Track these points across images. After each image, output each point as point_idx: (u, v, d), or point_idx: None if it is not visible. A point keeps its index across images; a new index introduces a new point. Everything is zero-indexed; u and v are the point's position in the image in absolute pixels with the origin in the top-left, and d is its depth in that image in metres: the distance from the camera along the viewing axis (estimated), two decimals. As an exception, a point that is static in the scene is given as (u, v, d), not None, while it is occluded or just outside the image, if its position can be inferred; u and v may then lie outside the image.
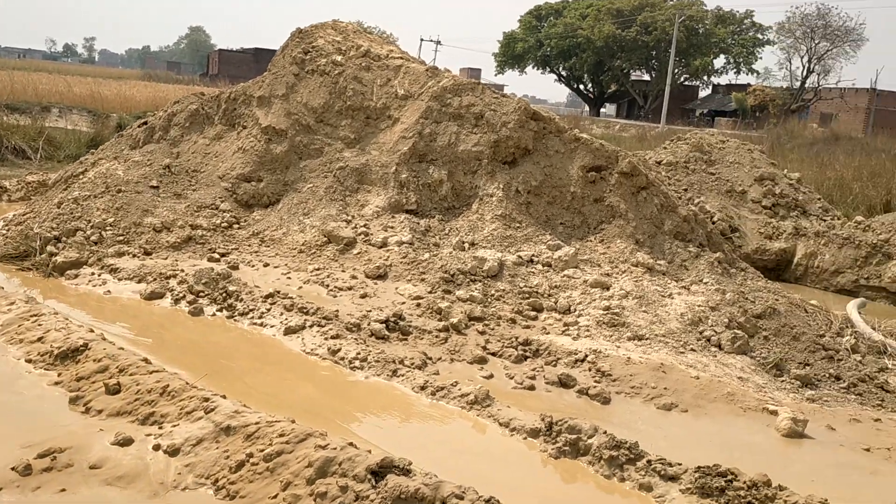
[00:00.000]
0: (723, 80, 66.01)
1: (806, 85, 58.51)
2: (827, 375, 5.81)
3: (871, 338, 6.69)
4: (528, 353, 5.69)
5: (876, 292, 11.90)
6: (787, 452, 4.60)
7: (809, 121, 52.60)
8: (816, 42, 56.87)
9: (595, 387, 5.18)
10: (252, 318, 6.05)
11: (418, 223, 7.43)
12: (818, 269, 12.66)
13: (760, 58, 59.22)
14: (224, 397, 4.18)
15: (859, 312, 7.48)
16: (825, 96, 59.01)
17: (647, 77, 64.02)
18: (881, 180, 17.80)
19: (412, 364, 5.35)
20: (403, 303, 6.35)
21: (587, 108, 68.00)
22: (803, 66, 58.40)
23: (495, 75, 65.16)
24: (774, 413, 4.97)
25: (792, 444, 4.67)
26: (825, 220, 13.39)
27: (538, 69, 65.26)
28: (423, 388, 5.01)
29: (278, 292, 6.39)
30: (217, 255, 7.32)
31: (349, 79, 8.70)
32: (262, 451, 3.65)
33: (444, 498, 3.47)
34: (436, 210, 7.66)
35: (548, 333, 6.02)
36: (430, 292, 6.50)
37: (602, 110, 69.57)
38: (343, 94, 8.61)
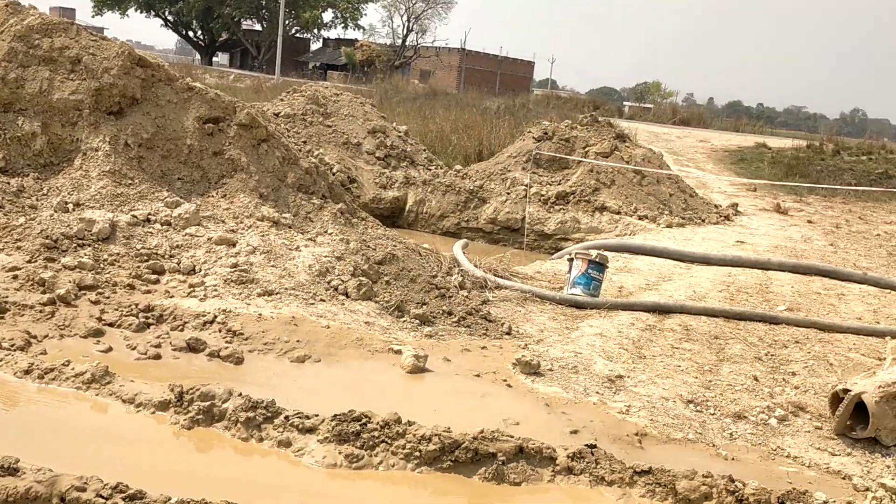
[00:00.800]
0: (332, 34, 67.87)
1: (406, 43, 62.75)
2: (441, 312, 6.35)
3: (475, 274, 7.47)
4: (150, 320, 5.30)
5: (474, 233, 13.33)
6: (412, 387, 4.94)
7: (411, 77, 56.67)
8: (413, 2, 61.08)
9: (227, 348, 5.01)
10: None
11: (8, 183, 6.43)
12: (427, 214, 13.78)
13: (366, 14, 62.13)
14: None
15: (463, 252, 8.30)
16: (424, 54, 63.98)
17: (258, 27, 63.23)
18: (474, 132, 19.87)
19: (12, 346, 4.65)
20: (-5, 276, 5.47)
21: (198, 56, 65.14)
22: (403, 25, 62.50)
23: (92, 17, 58.88)
24: (399, 352, 5.29)
25: (416, 380, 5.02)
26: (430, 170, 14.59)
27: (142, 12, 60.59)
28: (27, 371, 4.38)
29: None
30: None
31: None
32: None
33: (62, 493, 3.09)
34: (30, 167, 6.70)
35: (172, 297, 5.66)
36: (29, 262, 5.69)
37: (214, 59, 67.19)
38: None
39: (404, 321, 6.12)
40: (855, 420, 4.73)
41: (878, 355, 6.51)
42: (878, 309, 8.32)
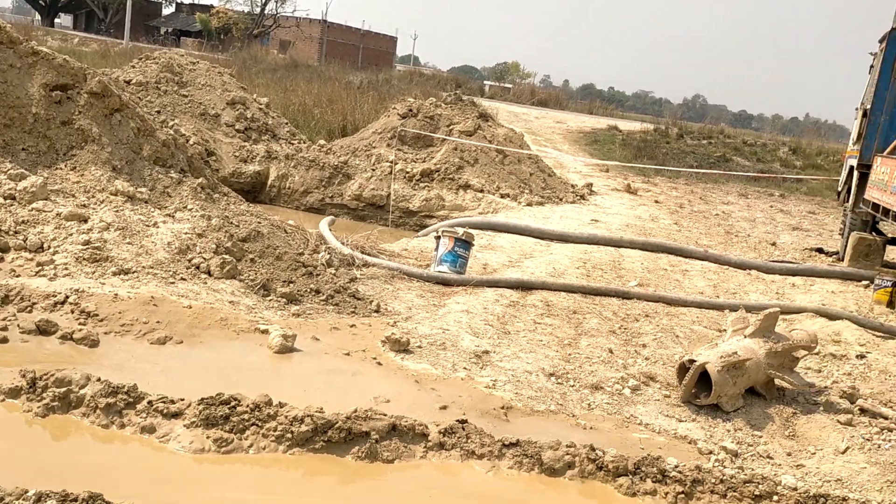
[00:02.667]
0: (186, -2, 64.71)
1: (265, 11, 60.79)
2: (308, 290, 6.27)
3: (342, 252, 7.43)
4: (-7, 302, 4.93)
5: (339, 209, 13.21)
6: (281, 368, 4.87)
7: (271, 47, 55.02)
8: (273, -31, 59.21)
9: (80, 330, 4.74)
10: None
11: None
12: (290, 189, 13.52)
13: (222, -21, 59.56)
14: None
15: (329, 229, 8.22)
16: (284, 24, 62.22)
17: (105, -13, 59.38)
18: (337, 106, 19.62)
19: None
20: None
21: (39, 17, 60.34)
22: (262, -7, 60.42)
23: None
24: (266, 332, 5.19)
25: (284, 360, 4.96)
26: (293, 144, 14.29)
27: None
28: None
29: None
30: None
31: None
32: None
33: None
34: None
35: (18, 276, 5.28)
36: None
37: (57, 21, 62.46)
38: None
39: (270, 300, 6.01)
40: (699, 388, 5.10)
41: (718, 327, 7.03)
42: (718, 284, 8.97)
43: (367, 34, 71.26)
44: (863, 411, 5.13)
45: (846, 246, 11.11)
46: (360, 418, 3.64)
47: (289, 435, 3.64)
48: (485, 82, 63.79)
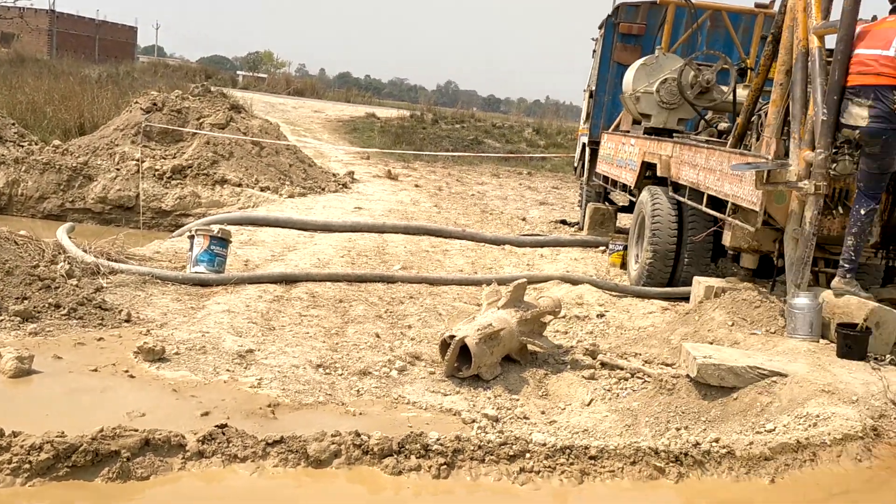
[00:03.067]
0: None
1: (-20, 0, 54.27)
2: (47, 305, 5.73)
3: (84, 260, 6.86)
4: None
5: (83, 214, 12.20)
6: (17, 394, 4.41)
7: (-10, 39, 49.34)
8: (-15, -47, 53.01)
9: None
10: None
11: None
12: (23, 196, 12.26)
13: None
14: None
15: (69, 236, 7.55)
16: (5, 15, 55.93)
17: None
18: (73, 103, 18.06)
19: None
20: None
21: None
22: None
23: None
24: (-3, 356, 4.67)
25: (21, 384, 4.50)
26: (23, 146, 12.94)
27: None
28: None
29: None
30: None
31: None
32: None
33: None
34: None
35: None
36: None
37: None
38: None
39: (2, 320, 5.41)
40: (461, 361, 5.34)
41: (476, 301, 7.40)
42: (476, 261, 9.43)
43: (104, 24, 66.14)
44: (603, 365, 5.64)
45: (584, 216, 12.15)
46: (108, 437, 3.38)
47: (27, 466, 3.30)
48: (238, 72, 61.81)
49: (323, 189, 14.13)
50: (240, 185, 12.81)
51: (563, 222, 13.66)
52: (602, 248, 10.65)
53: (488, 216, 13.62)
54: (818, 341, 5.24)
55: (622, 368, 5.50)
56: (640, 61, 9.99)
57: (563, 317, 6.83)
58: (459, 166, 22.03)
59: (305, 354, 5.49)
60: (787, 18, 6.13)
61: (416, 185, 16.86)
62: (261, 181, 13.09)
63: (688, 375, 4.88)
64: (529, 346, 5.71)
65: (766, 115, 6.46)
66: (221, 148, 13.34)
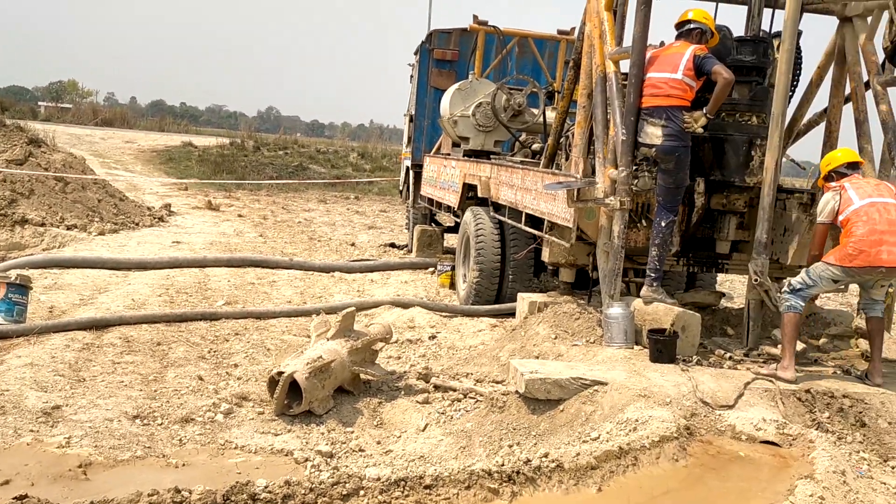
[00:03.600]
0: None
1: None
2: None
3: None
4: None
5: None
6: None
7: None
8: None
9: None
10: None
11: None
12: None
13: None
14: None
15: None
16: None
17: None
18: None
19: None
20: None
21: None
22: None
23: None
24: None
25: None
26: None
27: None
28: None
29: None
30: None
31: None
32: None
33: None
34: None
35: None
36: None
37: None
38: None
39: None
40: (291, 397, 5.17)
41: (306, 333, 7.22)
42: (305, 290, 9.24)
43: None
44: (436, 388, 5.67)
45: (412, 239, 12.27)
46: None
47: None
48: (39, 103, 57.51)
49: (137, 224, 13.36)
50: (43, 225, 11.82)
51: (392, 245, 13.73)
52: (431, 269, 10.78)
53: (316, 243, 13.42)
54: (633, 348, 5.55)
55: (455, 390, 5.55)
56: (456, 86, 10.27)
57: (396, 341, 6.81)
58: (285, 194, 21.64)
59: (120, 405, 5.10)
60: (586, 45, 6.51)
61: (239, 215, 16.35)
62: (67, 219, 12.16)
63: (517, 391, 5.00)
64: (362, 376, 5.64)
65: (573, 136, 6.81)
66: (20, 185, 12.27)
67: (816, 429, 4.62)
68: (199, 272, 9.73)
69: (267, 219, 16.24)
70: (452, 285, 9.53)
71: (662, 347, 5.25)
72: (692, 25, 5.88)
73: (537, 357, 5.73)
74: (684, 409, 4.66)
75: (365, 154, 30.75)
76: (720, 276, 9.90)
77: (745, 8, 6.42)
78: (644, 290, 5.83)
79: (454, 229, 12.46)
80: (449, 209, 10.63)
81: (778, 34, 6.47)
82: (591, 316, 6.20)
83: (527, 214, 7.24)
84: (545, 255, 6.81)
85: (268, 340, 6.95)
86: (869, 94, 6.42)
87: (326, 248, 12.91)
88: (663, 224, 5.80)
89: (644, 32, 5.57)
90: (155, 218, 14.11)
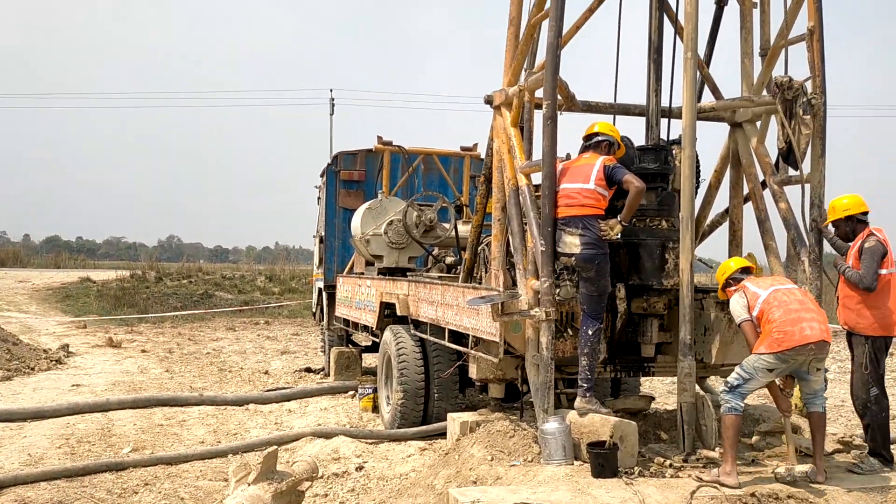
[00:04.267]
0: None
1: None
2: None
3: None
4: None
5: None
6: None
7: None
8: None
9: None
10: None
11: None
12: None
13: None
14: None
15: None
16: None
17: None
18: None
19: None
20: None
21: None
22: None
23: None
24: None
25: None
26: None
27: None
28: None
29: None
30: None
31: None
32: None
33: None
34: None
35: None
36: None
37: None
38: None
39: None
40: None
41: (224, 477, 6.72)
42: (218, 427, 8.69)
43: None
44: (370, 526, 5.29)
45: (329, 361, 11.89)
46: None
47: None
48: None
49: (32, 369, 12.47)
50: (-77, 378, 10.88)
51: (308, 370, 13.25)
52: (352, 392, 10.42)
53: (227, 374, 12.81)
54: (573, 463, 5.37)
55: (390, 527, 5.19)
56: (366, 206, 10.25)
57: (321, 477, 6.40)
58: (190, 324, 20.85)
59: (16, 584, 4.51)
60: (495, 160, 6.60)
61: (143, 351, 15.55)
62: (-50, 370, 11.24)
63: (458, 523, 4.70)
64: (289, 520, 5.21)
65: (489, 248, 6.80)
66: None
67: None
68: (102, 417, 9.04)
69: (173, 352, 15.50)
70: (375, 409, 9.18)
71: (604, 461, 5.09)
72: (600, 138, 6.05)
73: (475, 482, 5.45)
74: (634, 527, 4.47)
75: (273, 277, 30.28)
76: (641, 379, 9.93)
77: (644, 119, 6.69)
78: (578, 402, 5.70)
79: (373, 349, 12.18)
80: (366, 329, 10.39)
81: (675, 142, 6.79)
82: (526, 432, 6.01)
83: (450, 330, 7.11)
84: (473, 372, 6.63)
85: (181, 489, 6.40)
86: (767, 193, 6.72)
87: (238, 379, 12.33)
88: (590, 332, 5.75)
89: (553, 146, 5.68)
90: (52, 360, 13.23)
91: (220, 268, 35.53)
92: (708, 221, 7.52)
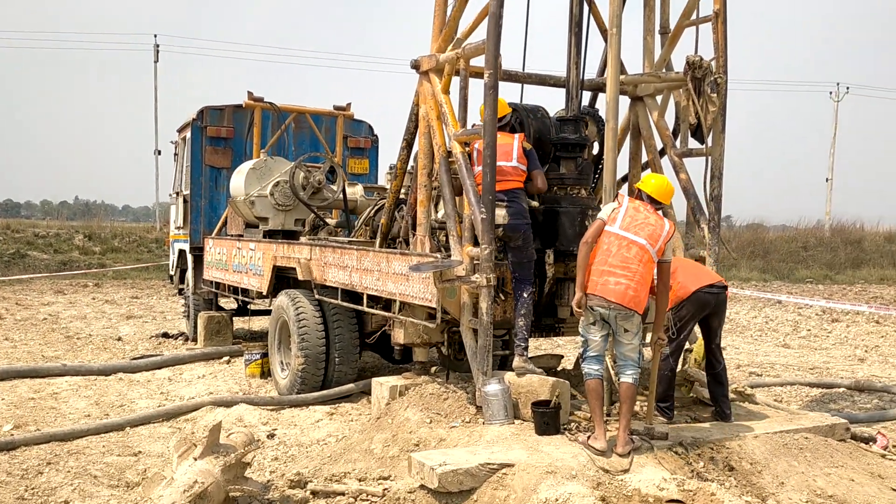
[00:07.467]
0: None
1: None
2: None
3: None
4: None
5: None
6: None
7: None
8: None
9: None
10: None
11: None
12: None
13: None
14: None
15: None
16: None
17: None
18: None
19: None
20: None
21: None
22: None
23: None
24: None
25: None
26: None
27: None
28: None
29: None
30: None
31: None
32: None
33: None
34: None
35: None
36: None
37: None
38: None
39: None
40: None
41: (130, 451, 6.33)
42: (99, 399, 8.11)
43: None
44: (316, 494, 5.24)
45: (196, 327, 11.37)
46: None
47: None
48: None
49: None
50: None
51: (166, 335, 12.58)
52: (226, 358, 10.09)
53: (76, 342, 11.89)
54: (514, 423, 5.58)
55: (342, 493, 5.17)
56: (249, 165, 9.85)
57: (260, 447, 6.20)
58: (11, 287, 19.01)
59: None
60: (422, 126, 6.58)
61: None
62: None
63: (423, 487, 4.78)
64: (236, 493, 5.04)
65: (409, 214, 6.82)
66: None
67: (700, 479, 4.96)
68: (-45, 394, 8.15)
69: (4, 318, 14.11)
70: (264, 374, 8.95)
71: (549, 419, 5.34)
72: (505, 121, 6.32)
73: (417, 445, 5.53)
74: (591, 480, 4.75)
75: (92, 235, 28.11)
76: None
77: (563, 90, 6.91)
78: (517, 362, 5.91)
79: (242, 312, 11.81)
80: (245, 293, 10.06)
81: (588, 113, 7.11)
82: (458, 394, 6.15)
83: (355, 294, 7.10)
84: (398, 337, 6.66)
85: (90, 466, 5.94)
86: (665, 163, 7.22)
87: (91, 347, 11.50)
88: (525, 294, 5.98)
89: (494, 115, 5.76)
90: None
91: (28, 224, 32.36)
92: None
